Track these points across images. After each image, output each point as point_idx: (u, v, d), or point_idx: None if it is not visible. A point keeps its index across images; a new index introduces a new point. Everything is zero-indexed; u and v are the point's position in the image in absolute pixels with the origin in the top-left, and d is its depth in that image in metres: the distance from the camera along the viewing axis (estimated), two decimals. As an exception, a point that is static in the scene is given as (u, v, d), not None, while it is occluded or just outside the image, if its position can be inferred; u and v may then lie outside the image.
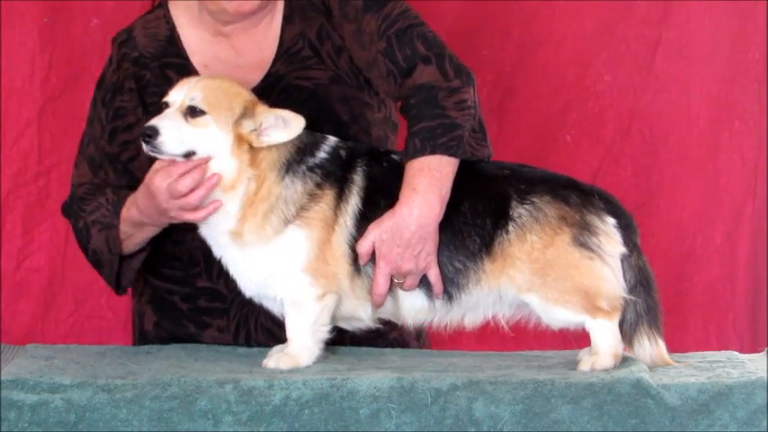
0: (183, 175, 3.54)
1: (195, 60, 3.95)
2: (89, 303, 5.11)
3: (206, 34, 3.96)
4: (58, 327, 5.09)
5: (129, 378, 3.38)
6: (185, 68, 3.92)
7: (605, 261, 3.58)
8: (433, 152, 3.60)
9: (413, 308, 3.67)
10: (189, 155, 3.56)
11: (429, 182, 3.59)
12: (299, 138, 3.59)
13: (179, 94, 3.58)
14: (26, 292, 5.07)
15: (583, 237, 3.58)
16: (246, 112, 3.57)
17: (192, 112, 3.55)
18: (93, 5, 5.00)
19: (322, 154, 3.62)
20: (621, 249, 3.60)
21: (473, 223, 3.61)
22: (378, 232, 3.58)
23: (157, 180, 3.58)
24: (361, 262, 3.60)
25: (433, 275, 3.62)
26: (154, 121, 3.53)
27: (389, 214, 3.59)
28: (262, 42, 3.93)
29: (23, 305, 5.07)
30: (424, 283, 3.64)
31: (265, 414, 3.29)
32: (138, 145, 3.63)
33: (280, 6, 3.93)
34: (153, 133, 3.51)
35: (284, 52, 3.91)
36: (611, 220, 3.61)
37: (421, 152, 3.61)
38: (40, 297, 5.09)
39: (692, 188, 5.15)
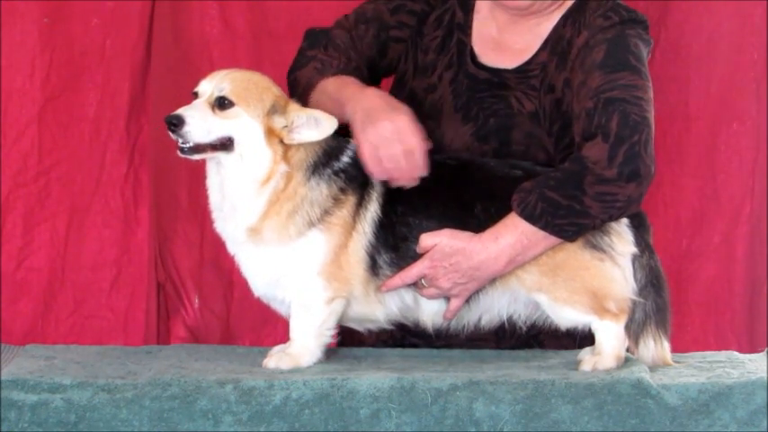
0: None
1: (477, 6, 3.97)
2: (89, 303, 5.11)
3: (489, 2, 3.97)
4: (58, 327, 5.09)
5: (129, 378, 3.38)
6: (467, 4, 3.96)
7: (616, 262, 3.58)
8: (544, 228, 3.55)
9: (431, 310, 3.68)
10: (225, 143, 3.55)
11: (512, 243, 3.57)
12: (325, 140, 3.60)
13: (209, 86, 3.58)
14: (26, 292, 5.07)
15: (595, 237, 3.59)
16: (277, 108, 3.57)
17: (221, 103, 3.55)
18: (93, 5, 5.00)
19: (346, 158, 3.62)
20: (633, 250, 3.60)
21: (487, 226, 3.61)
22: (446, 240, 3.59)
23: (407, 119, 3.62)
24: (419, 250, 3.60)
25: (454, 305, 3.65)
26: (179, 111, 3.53)
27: (468, 237, 3.59)
28: (519, 41, 3.93)
29: (23, 305, 5.07)
30: None
31: (265, 414, 3.29)
32: (407, 34, 3.88)
33: (548, 25, 3.90)
34: (178, 122, 3.51)
35: (523, 71, 3.89)
36: (624, 219, 3.62)
37: (535, 221, 3.56)
38: (40, 297, 5.08)
39: (690, 188, 5.15)
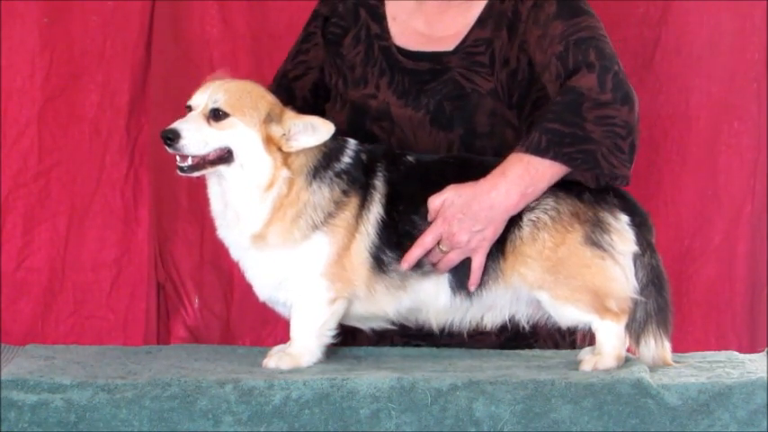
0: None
1: (389, 9, 4.01)
2: (89, 303, 5.12)
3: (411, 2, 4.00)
4: (58, 327, 5.09)
5: (129, 378, 3.38)
6: (377, 12, 4.00)
7: (617, 261, 3.58)
8: (554, 158, 3.59)
9: (434, 307, 3.67)
10: (224, 156, 3.56)
11: (520, 174, 3.59)
12: (324, 142, 3.60)
13: (202, 98, 3.58)
14: (26, 292, 5.07)
15: (595, 235, 3.59)
16: (273, 116, 3.58)
17: (216, 115, 3.55)
18: (93, 5, 5.00)
19: (346, 159, 3.63)
20: (634, 248, 3.60)
21: None
22: (452, 194, 3.60)
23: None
24: (430, 217, 3.61)
25: (477, 262, 3.62)
26: (174, 125, 3.53)
27: (471, 184, 3.61)
28: (450, 27, 3.95)
29: (23, 305, 5.08)
30: (451, 277, 3.65)
31: (265, 414, 3.29)
32: (306, 67, 3.99)
33: (476, 10, 3.93)
34: (174, 136, 3.52)
35: (464, 49, 3.92)
36: (624, 218, 3.62)
37: (543, 154, 3.59)
38: (40, 297, 5.09)
39: (690, 188, 5.15)
